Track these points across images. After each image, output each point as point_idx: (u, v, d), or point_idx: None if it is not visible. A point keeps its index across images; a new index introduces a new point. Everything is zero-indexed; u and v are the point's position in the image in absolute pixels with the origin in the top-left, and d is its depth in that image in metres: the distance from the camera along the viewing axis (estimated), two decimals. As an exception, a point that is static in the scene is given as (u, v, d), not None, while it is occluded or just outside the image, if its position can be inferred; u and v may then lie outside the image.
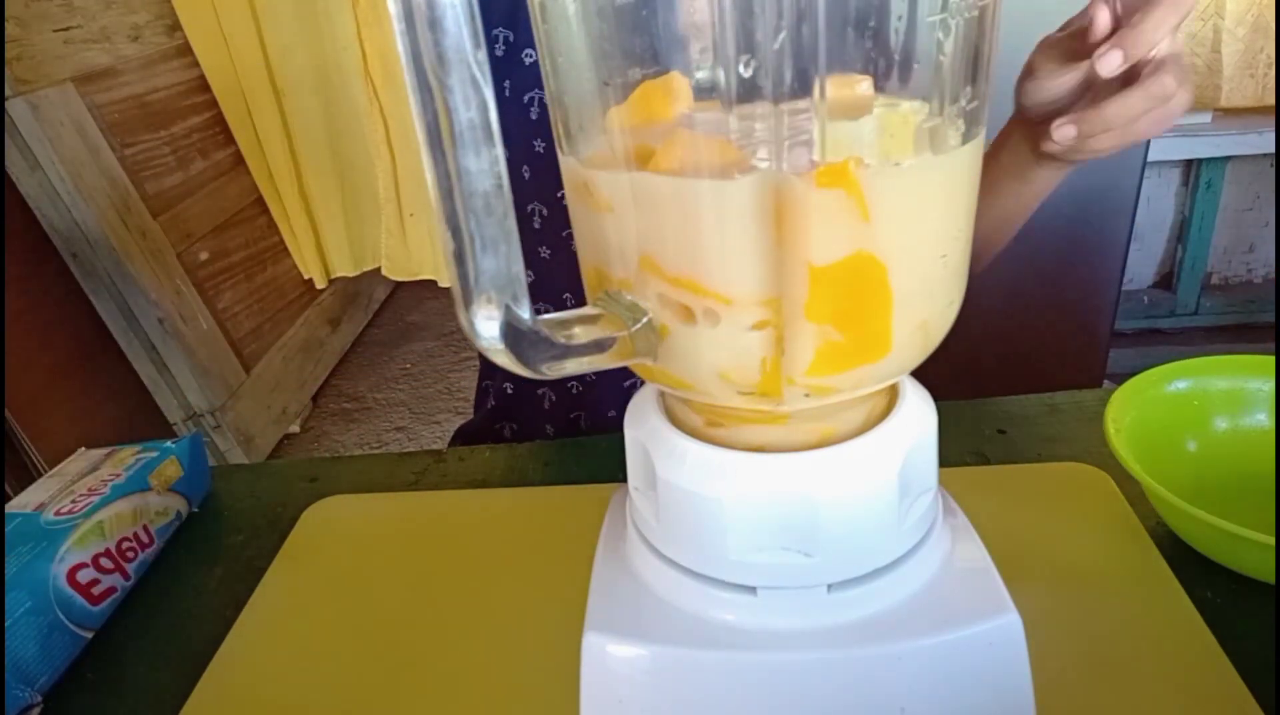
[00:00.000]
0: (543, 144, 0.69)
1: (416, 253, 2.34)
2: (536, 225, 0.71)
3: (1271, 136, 1.82)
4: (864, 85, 0.25)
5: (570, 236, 0.71)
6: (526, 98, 0.68)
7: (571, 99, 0.28)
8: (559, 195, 0.70)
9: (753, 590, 0.31)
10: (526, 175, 0.70)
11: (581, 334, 0.28)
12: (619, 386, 0.73)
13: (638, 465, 0.34)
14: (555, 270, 0.72)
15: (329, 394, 2.41)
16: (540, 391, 0.78)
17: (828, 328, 0.27)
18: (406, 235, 2.31)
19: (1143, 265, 2.19)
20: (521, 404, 0.80)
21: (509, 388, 0.80)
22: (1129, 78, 0.47)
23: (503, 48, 0.69)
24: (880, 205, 0.25)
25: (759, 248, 0.26)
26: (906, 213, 0.26)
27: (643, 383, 0.35)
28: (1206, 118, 1.89)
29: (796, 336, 0.27)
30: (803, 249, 0.25)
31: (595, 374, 0.74)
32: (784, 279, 0.26)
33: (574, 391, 0.76)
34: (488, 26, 0.69)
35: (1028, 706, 0.32)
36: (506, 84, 0.69)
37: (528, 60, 0.68)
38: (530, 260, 0.71)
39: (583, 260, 0.32)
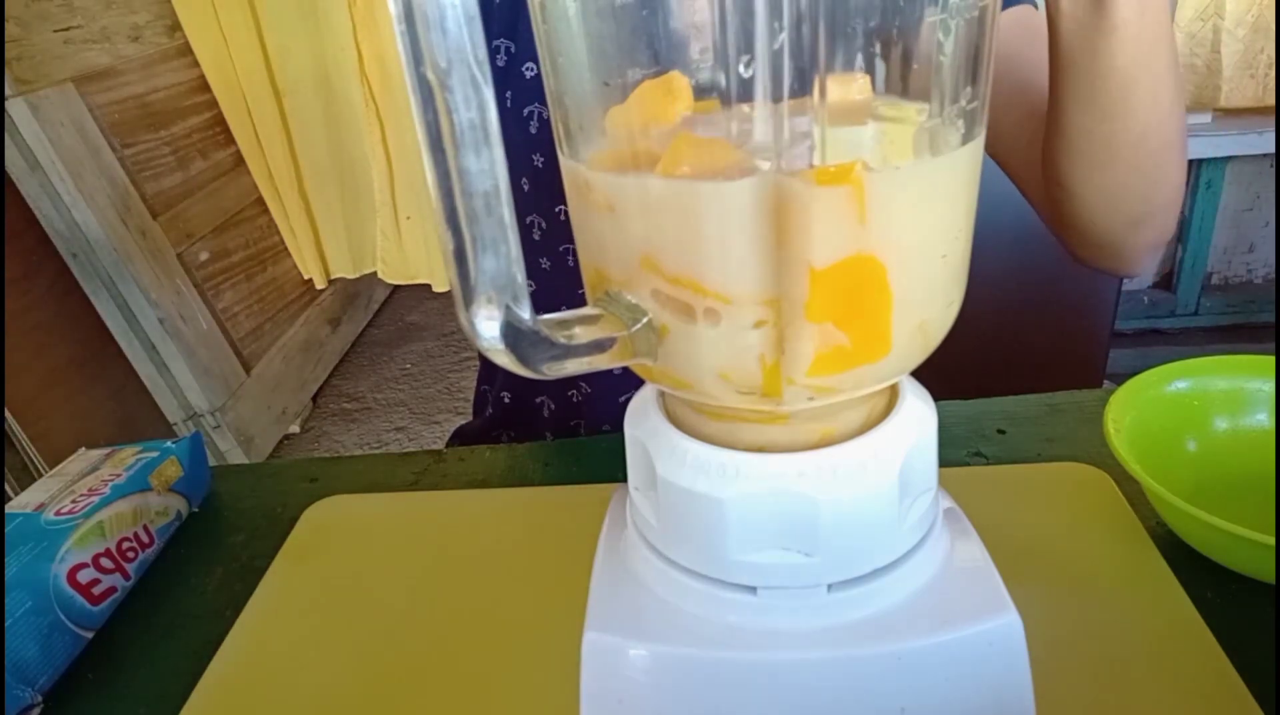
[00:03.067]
0: (542, 158, 0.69)
1: (412, 256, 2.34)
2: (536, 237, 0.71)
3: (1271, 137, 1.82)
4: (864, 86, 0.25)
5: (568, 250, 0.70)
6: (526, 111, 0.68)
7: (572, 99, 0.28)
8: (558, 210, 0.69)
9: (753, 590, 0.31)
10: (526, 188, 0.70)
11: (582, 334, 0.28)
12: (615, 402, 0.73)
13: (638, 465, 0.34)
14: (555, 282, 0.72)
15: (329, 394, 2.41)
16: (539, 400, 0.78)
17: (828, 328, 0.27)
18: (402, 238, 2.31)
19: (1143, 265, 2.19)
20: (520, 413, 0.80)
21: (506, 397, 0.80)
22: None
23: (504, 58, 0.69)
24: (880, 206, 0.25)
25: (759, 249, 0.26)
26: (906, 213, 0.26)
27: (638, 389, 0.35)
28: (1206, 118, 1.90)
29: (797, 337, 0.27)
30: (803, 250, 0.25)
31: (592, 385, 0.74)
32: (784, 279, 0.26)
33: (573, 400, 0.76)
34: (488, 37, 0.69)
35: (1028, 706, 0.32)
36: (508, 95, 0.68)
37: (528, 74, 0.68)
38: (530, 271, 0.71)
39: (583, 261, 0.32)
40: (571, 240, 0.69)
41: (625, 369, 0.30)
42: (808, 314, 0.26)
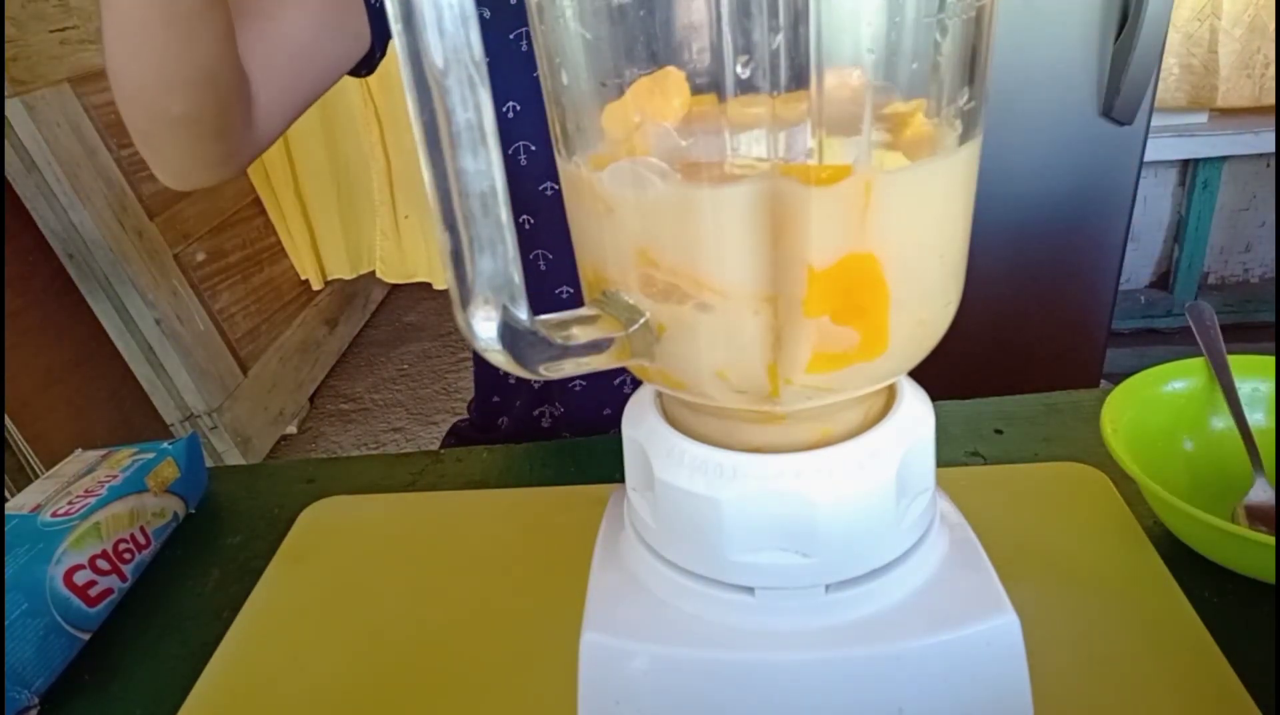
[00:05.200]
0: (525, 157, 0.69)
1: (411, 255, 2.34)
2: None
3: (1267, 136, 1.83)
4: (861, 86, 0.25)
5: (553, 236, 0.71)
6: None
7: (569, 99, 0.28)
8: (541, 187, 0.70)
9: (750, 591, 0.31)
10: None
11: (579, 334, 0.27)
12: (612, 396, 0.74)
13: (635, 466, 0.34)
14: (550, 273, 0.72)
15: (326, 395, 2.41)
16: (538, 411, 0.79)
17: (826, 327, 0.27)
18: (401, 237, 2.31)
19: (1139, 265, 2.20)
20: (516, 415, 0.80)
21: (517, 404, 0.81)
22: None
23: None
24: (878, 206, 0.25)
25: (757, 249, 0.26)
26: (904, 214, 0.26)
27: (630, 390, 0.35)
28: (1203, 118, 1.90)
29: (794, 336, 0.27)
30: (801, 250, 0.25)
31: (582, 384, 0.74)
32: (782, 279, 0.26)
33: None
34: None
35: (1025, 707, 0.32)
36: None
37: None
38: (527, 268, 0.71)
39: (580, 261, 0.32)
40: (545, 245, 0.70)
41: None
42: (805, 313, 0.26)
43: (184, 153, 0.58)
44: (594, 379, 0.74)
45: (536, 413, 0.78)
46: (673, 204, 0.26)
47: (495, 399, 0.82)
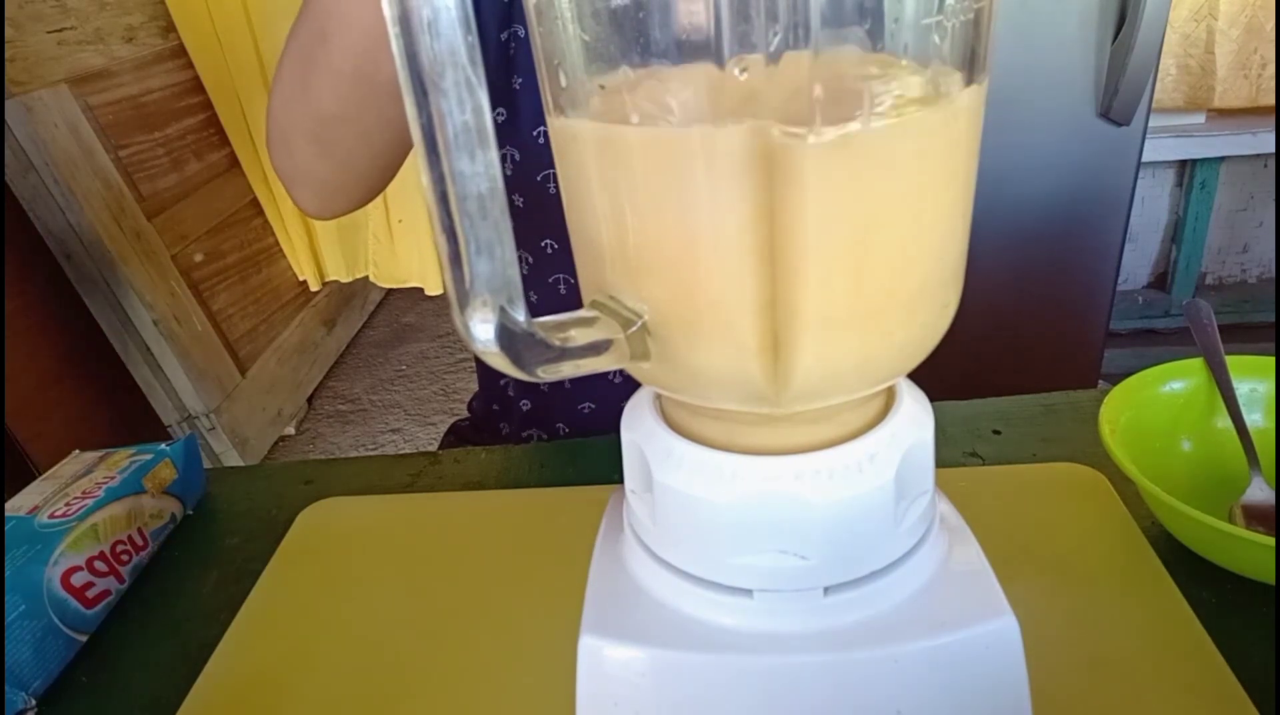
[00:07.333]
0: (521, 198, 0.69)
1: (404, 259, 2.34)
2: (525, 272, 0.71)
3: (1265, 137, 1.83)
4: (859, 88, 0.25)
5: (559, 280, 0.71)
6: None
7: (568, 102, 0.28)
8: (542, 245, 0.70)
9: (749, 593, 0.31)
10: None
11: (578, 336, 0.27)
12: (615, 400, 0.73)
13: (634, 468, 0.34)
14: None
15: (324, 396, 2.41)
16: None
17: (824, 330, 0.27)
18: (394, 242, 2.31)
19: (1137, 266, 2.20)
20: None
21: (526, 405, 0.80)
22: None
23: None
24: (878, 210, 0.25)
25: (755, 251, 0.26)
26: (903, 217, 0.26)
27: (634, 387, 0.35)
28: (1200, 118, 1.90)
29: (793, 339, 0.27)
30: (799, 253, 0.25)
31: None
32: (780, 281, 0.26)
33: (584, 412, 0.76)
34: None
35: (1024, 709, 0.32)
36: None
37: (499, 118, 0.68)
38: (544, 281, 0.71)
39: (579, 263, 0.32)
40: (567, 269, 0.69)
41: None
42: (804, 316, 0.26)
43: (365, 143, 0.57)
44: (601, 398, 0.74)
45: (527, 433, 0.78)
46: (670, 206, 0.26)
47: (495, 407, 0.81)
